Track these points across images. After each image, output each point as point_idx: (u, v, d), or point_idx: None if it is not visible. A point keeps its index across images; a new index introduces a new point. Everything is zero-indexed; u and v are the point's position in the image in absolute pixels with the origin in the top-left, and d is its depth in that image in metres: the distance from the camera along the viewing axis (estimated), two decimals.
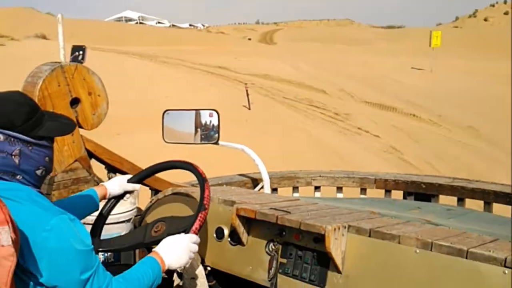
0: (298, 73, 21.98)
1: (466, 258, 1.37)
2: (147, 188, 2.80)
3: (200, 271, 1.93)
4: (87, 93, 2.59)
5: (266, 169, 2.99)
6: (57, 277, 1.27)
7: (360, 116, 14.29)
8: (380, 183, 3.52)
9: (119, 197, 1.92)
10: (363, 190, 3.55)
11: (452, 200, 3.34)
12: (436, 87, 19.38)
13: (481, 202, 3.22)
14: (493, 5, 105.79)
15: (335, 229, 1.55)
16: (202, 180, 1.72)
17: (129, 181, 1.92)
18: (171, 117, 2.61)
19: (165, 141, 2.63)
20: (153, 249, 1.63)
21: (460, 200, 3.29)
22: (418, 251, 1.45)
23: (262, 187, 3.15)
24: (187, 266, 1.69)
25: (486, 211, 3.15)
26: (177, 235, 1.65)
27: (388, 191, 3.52)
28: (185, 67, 22.01)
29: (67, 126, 1.48)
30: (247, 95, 13.85)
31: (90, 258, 1.34)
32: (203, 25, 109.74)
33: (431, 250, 1.43)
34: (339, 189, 3.54)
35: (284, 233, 1.73)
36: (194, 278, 1.92)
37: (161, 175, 2.31)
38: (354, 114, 14.47)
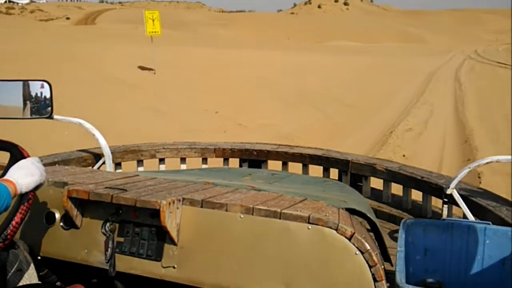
0: None
1: (280, 218, 1.55)
2: None
3: (28, 262, 1.74)
4: None
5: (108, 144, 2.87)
6: None
7: None
8: (219, 152, 3.69)
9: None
10: (204, 160, 3.66)
11: (278, 164, 3.73)
12: None
13: (301, 165, 3.66)
14: None
15: (169, 203, 1.58)
16: None
17: None
18: None
19: None
20: None
21: (285, 164, 3.72)
22: (242, 216, 1.58)
23: (103, 163, 3.02)
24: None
25: (304, 173, 3.59)
26: (20, 160, 1.50)
27: (226, 159, 3.71)
28: None
29: None
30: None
31: None
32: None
33: (252, 214, 1.57)
34: (183, 160, 3.59)
35: (120, 211, 1.70)
36: (21, 270, 1.72)
37: None
38: None
